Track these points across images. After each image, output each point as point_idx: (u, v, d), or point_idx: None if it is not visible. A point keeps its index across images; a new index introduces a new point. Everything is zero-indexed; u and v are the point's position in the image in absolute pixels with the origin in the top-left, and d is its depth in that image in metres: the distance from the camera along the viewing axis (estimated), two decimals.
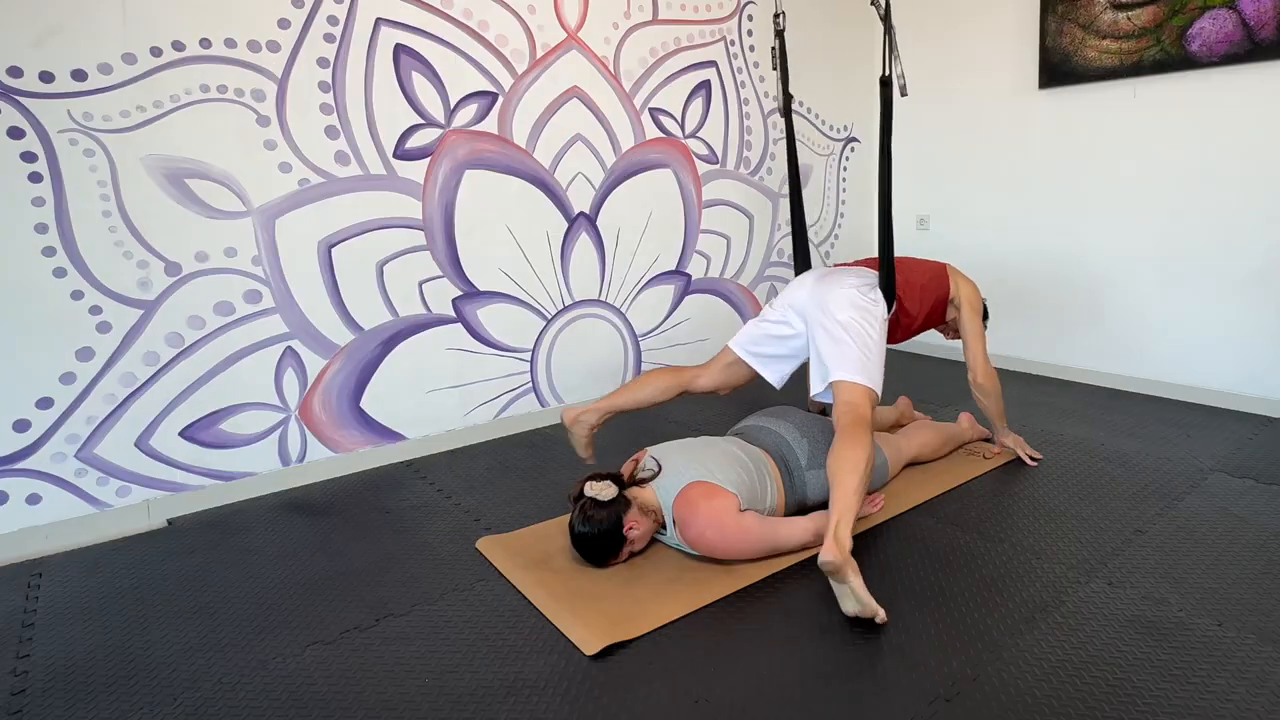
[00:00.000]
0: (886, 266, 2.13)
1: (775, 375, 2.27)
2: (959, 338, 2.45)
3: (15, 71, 1.93)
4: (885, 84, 2.03)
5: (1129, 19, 2.96)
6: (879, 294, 2.12)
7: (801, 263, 2.41)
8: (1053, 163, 3.31)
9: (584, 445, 2.22)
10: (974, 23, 3.51)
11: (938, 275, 2.35)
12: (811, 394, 2.07)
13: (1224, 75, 2.77)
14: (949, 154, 3.71)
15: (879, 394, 1.95)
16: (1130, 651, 1.43)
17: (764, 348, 2.25)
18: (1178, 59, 2.85)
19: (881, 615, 1.52)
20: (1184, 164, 2.91)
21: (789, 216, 2.48)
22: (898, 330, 2.28)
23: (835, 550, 1.52)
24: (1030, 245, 3.44)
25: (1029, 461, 2.37)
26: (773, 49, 2.39)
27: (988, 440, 2.57)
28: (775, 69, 2.39)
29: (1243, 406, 2.84)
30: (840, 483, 1.69)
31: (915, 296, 2.25)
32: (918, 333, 2.38)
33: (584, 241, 3.02)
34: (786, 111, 2.37)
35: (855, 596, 1.53)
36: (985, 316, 2.44)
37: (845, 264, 2.35)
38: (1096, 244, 3.21)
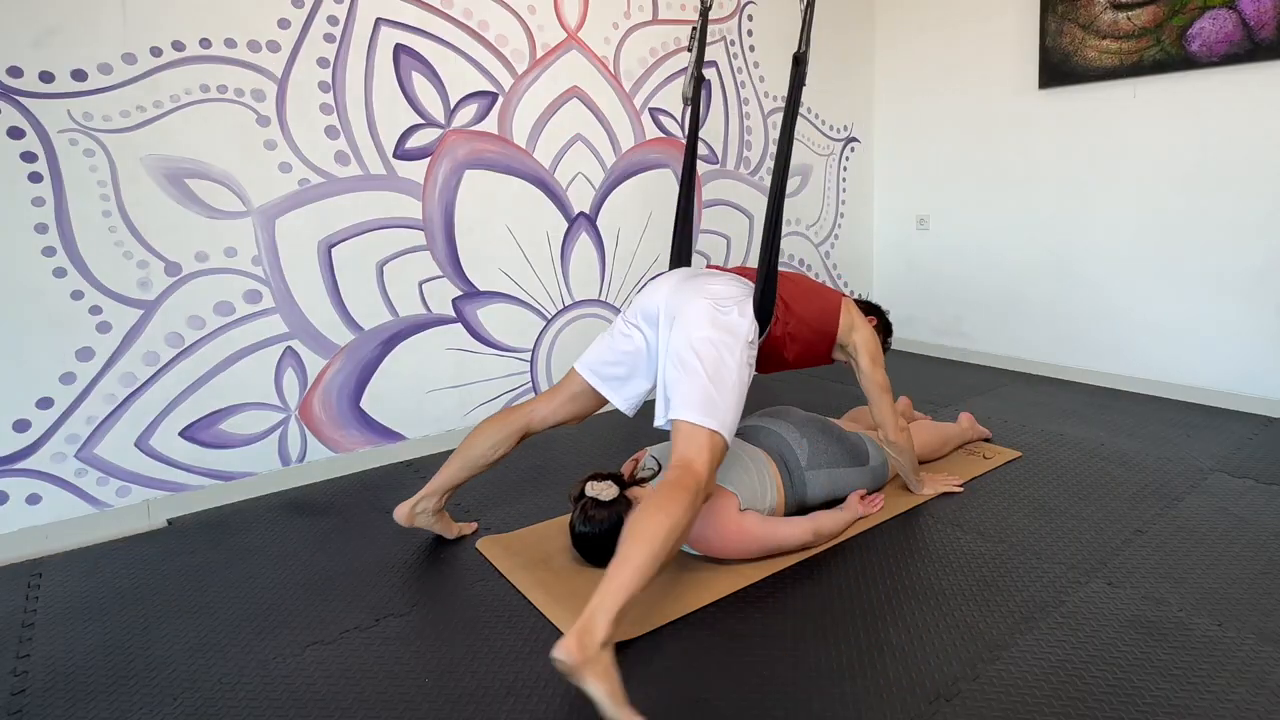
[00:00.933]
0: (767, 279, 1.73)
1: (625, 401, 1.88)
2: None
3: (15, 71, 1.93)
4: (799, 61, 1.77)
5: (1129, 19, 2.96)
6: (749, 312, 1.72)
7: (675, 259, 2.07)
8: (1053, 163, 3.31)
9: (445, 530, 1.98)
10: (974, 23, 3.51)
11: (828, 309, 1.93)
12: (655, 423, 1.69)
13: (1224, 75, 2.77)
14: (949, 154, 3.71)
15: (728, 439, 1.57)
16: (1130, 651, 1.43)
17: (615, 368, 1.86)
18: (1178, 59, 2.85)
19: None
20: (1184, 164, 2.91)
21: (678, 206, 2.12)
22: (768, 362, 1.89)
23: (575, 645, 1.19)
24: (1030, 245, 3.44)
25: (955, 489, 2.16)
26: (693, 29, 2.10)
27: (988, 440, 2.57)
28: (690, 50, 2.12)
29: (1243, 406, 2.84)
30: (622, 555, 1.32)
31: (795, 325, 1.85)
32: (793, 368, 2.00)
33: (584, 241, 3.02)
34: (695, 97, 2.09)
35: (602, 709, 1.19)
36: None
37: (720, 268, 1.96)
38: (1096, 244, 3.21)
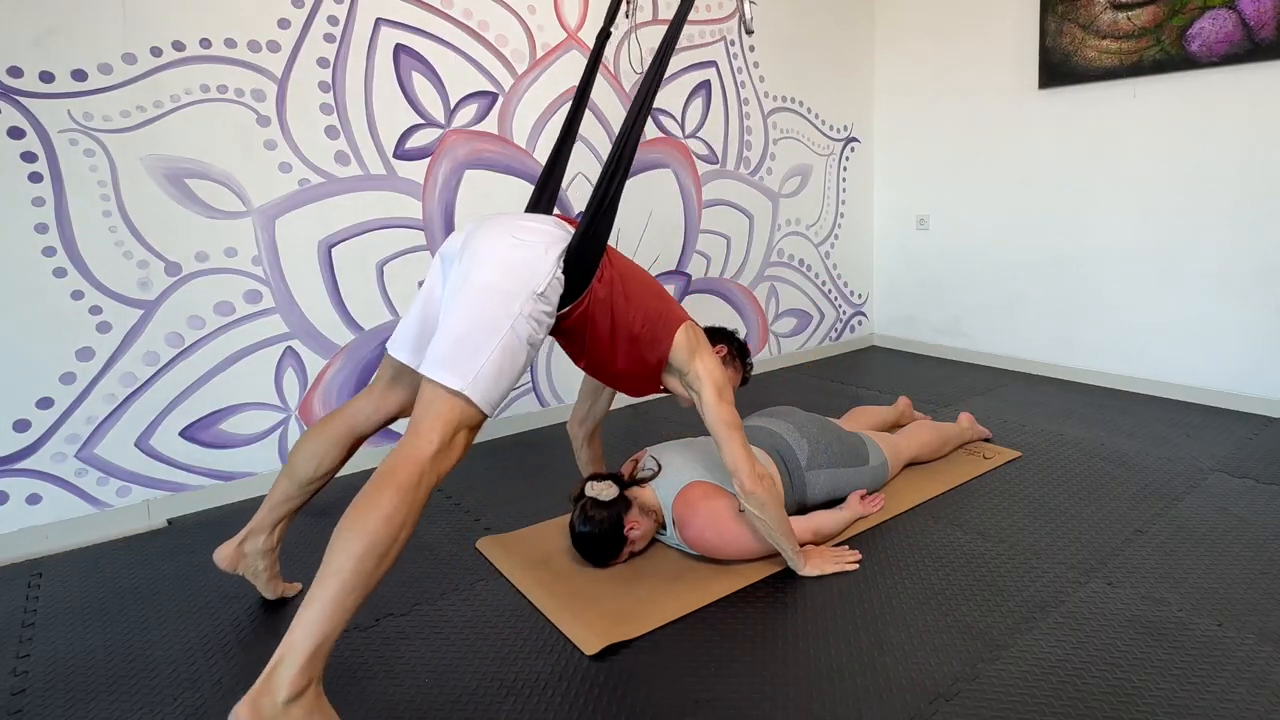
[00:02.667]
0: (594, 219, 1.43)
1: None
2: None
3: (15, 71, 1.93)
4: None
5: (1129, 19, 2.96)
6: (555, 256, 1.38)
7: (530, 208, 1.77)
8: (1053, 163, 3.31)
9: (269, 584, 1.66)
10: (974, 23, 3.51)
11: (668, 314, 1.59)
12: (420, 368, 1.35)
13: (1224, 75, 2.77)
14: (949, 154, 3.71)
15: (482, 409, 1.27)
16: (1130, 651, 1.43)
17: (415, 330, 1.53)
18: (1178, 59, 2.85)
19: None
20: (1184, 164, 2.91)
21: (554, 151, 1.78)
22: (579, 349, 1.56)
23: (248, 712, 1.04)
24: (1030, 245, 3.44)
25: (849, 567, 1.77)
26: None
27: (988, 440, 2.57)
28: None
29: (1243, 406, 2.84)
30: (312, 592, 1.11)
31: (625, 306, 1.52)
32: (617, 381, 1.67)
33: None
34: (598, 47, 1.85)
35: None
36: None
37: (565, 218, 1.59)
38: (1096, 243, 3.21)
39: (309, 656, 1.09)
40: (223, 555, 1.63)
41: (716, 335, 2.05)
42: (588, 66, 1.85)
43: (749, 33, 1.99)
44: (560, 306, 1.43)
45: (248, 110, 2.26)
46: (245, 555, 1.63)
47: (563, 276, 1.40)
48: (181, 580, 1.86)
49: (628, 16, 2.23)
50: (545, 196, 1.75)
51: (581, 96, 1.80)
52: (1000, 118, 3.47)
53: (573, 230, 1.47)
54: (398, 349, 1.54)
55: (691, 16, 3.21)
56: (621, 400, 3.09)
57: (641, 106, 1.50)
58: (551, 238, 1.41)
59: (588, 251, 1.44)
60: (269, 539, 1.63)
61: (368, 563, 1.13)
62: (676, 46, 2.02)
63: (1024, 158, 3.41)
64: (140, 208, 2.12)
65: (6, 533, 2.01)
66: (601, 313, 1.49)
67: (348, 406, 1.62)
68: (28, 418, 2.02)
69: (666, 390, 1.70)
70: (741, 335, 2.22)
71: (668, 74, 3.16)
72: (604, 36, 1.88)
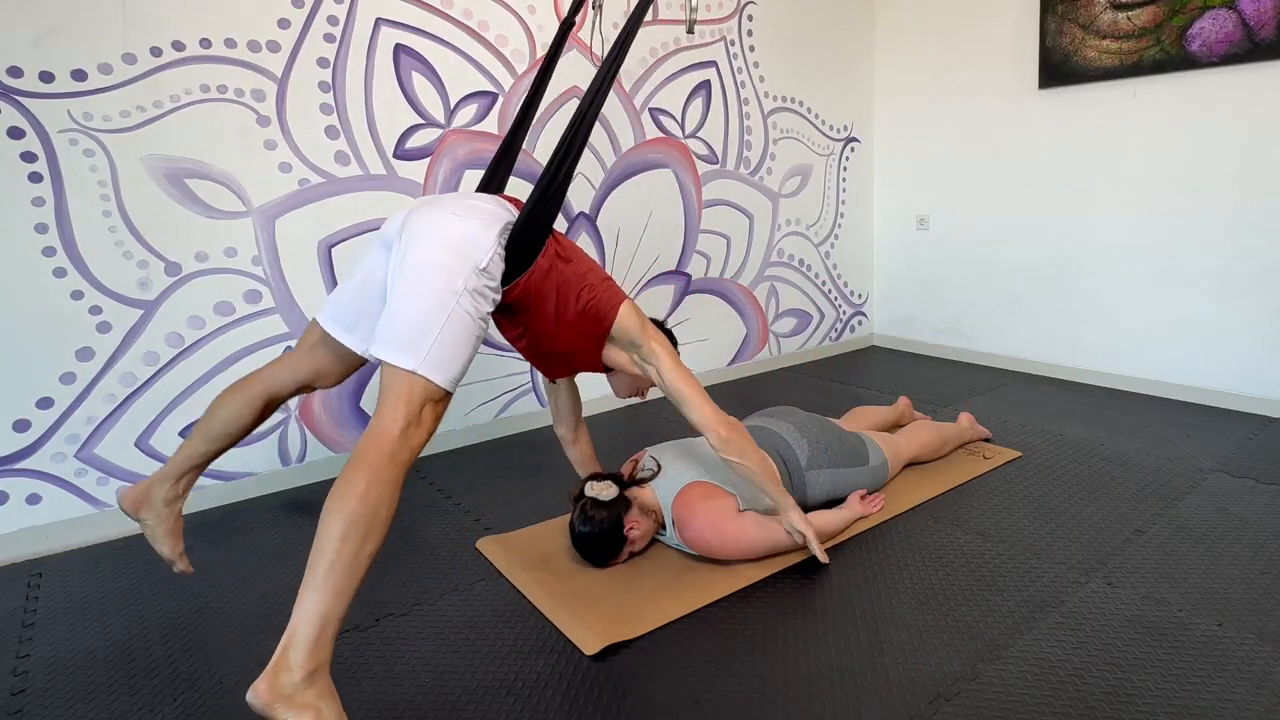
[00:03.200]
0: (538, 208, 1.44)
1: (361, 344, 1.54)
2: (642, 394, 1.89)
3: (15, 71, 1.93)
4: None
5: (1129, 19, 2.96)
6: (496, 233, 1.40)
7: (485, 181, 1.76)
8: (1052, 163, 3.31)
9: (167, 537, 1.58)
10: (974, 23, 3.51)
11: (606, 293, 1.59)
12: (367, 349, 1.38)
13: (1224, 75, 2.77)
14: (949, 154, 3.71)
15: (442, 384, 1.29)
16: (1130, 651, 1.43)
17: (347, 307, 1.54)
18: (1178, 59, 2.85)
19: None
20: (1184, 164, 2.91)
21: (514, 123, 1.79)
22: (521, 329, 1.58)
23: (265, 688, 1.07)
24: (1030, 245, 3.44)
25: (821, 557, 1.76)
26: None
27: (988, 440, 2.57)
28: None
29: (1243, 406, 2.84)
30: (306, 576, 1.14)
31: (571, 280, 1.53)
32: (555, 362, 1.68)
33: (584, 241, 3.01)
34: (559, 37, 1.85)
35: None
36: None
37: (509, 198, 1.61)
38: (1096, 244, 3.21)
39: (314, 639, 1.12)
40: (128, 496, 1.61)
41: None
42: (548, 54, 1.83)
43: (689, 32, 1.99)
44: (504, 283, 1.45)
45: (248, 110, 2.26)
46: (150, 501, 1.59)
47: (503, 253, 1.41)
48: (182, 580, 1.86)
49: (595, 9, 2.25)
50: (497, 177, 1.75)
51: (539, 85, 1.80)
52: (1000, 118, 3.47)
53: (515, 210, 1.48)
54: (333, 325, 1.56)
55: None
56: (622, 400, 3.10)
57: (595, 95, 1.50)
58: (492, 215, 1.42)
59: (533, 231, 1.44)
60: (174, 488, 1.60)
61: (351, 542, 1.15)
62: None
63: (1024, 158, 3.41)
64: (140, 208, 2.12)
65: (6, 533, 2.01)
66: (546, 288, 1.50)
67: (264, 369, 1.64)
68: (28, 418, 2.02)
69: (609, 368, 1.70)
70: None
71: (667, 76, 3.17)
72: (567, 26, 1.87)
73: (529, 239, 1.45)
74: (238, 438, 1.63)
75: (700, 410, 1.62)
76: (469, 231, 1.37)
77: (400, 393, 1.26)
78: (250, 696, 1.08)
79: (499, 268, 1.41)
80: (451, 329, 1.30)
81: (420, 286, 1.30)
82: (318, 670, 1.12)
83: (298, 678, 1.10)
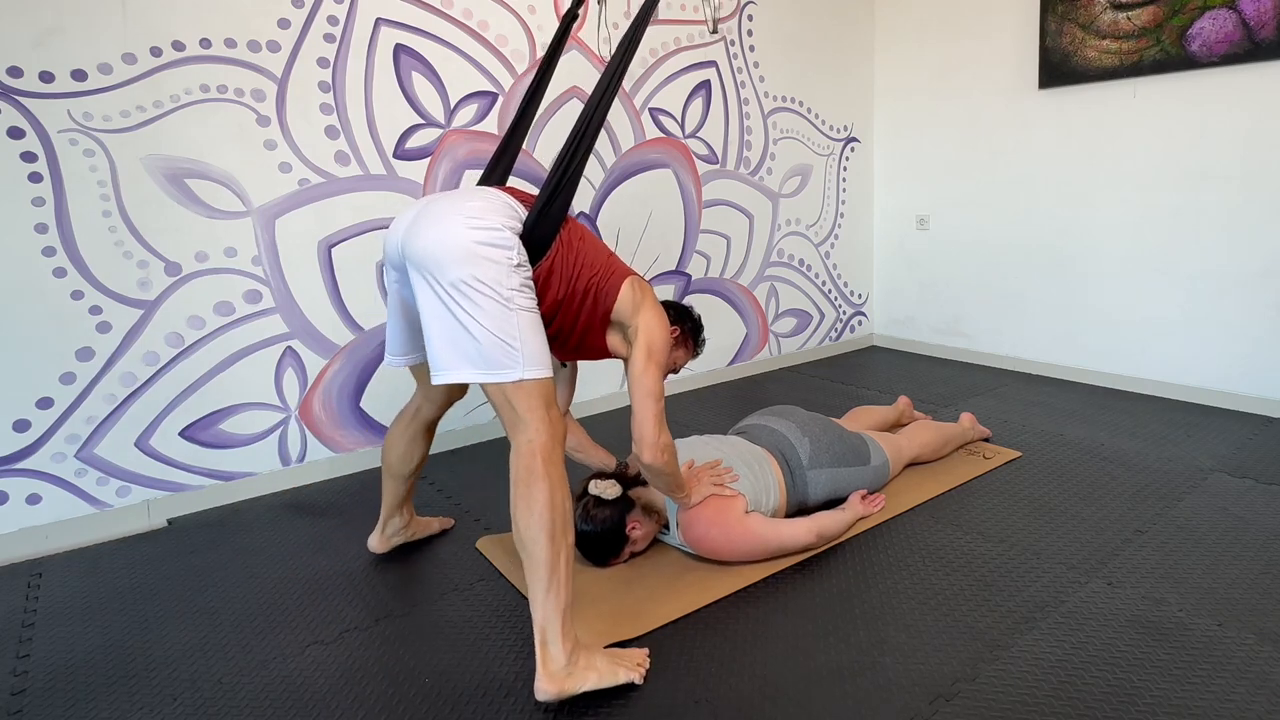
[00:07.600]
0: (550, 204, 1.44)
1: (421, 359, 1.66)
2: (675, 369, 1.87)
3: (15, 71, 1.93)
4: None
5: (1129, 19, 2.96)
6: (514, 233, 1.40)
7: (486, 176, 1.75)
8: (1052, 162, 3.31)
9: (423, 529, 2.00)
10: (974, 22, 3.51)
11: (614, 267, 1.58)
12: (433, 382, 1.40)
13: (1224, 75, 2.77)
14: (949, 154, 3.71)
15: (541, 374, 1.35)
16: (1130, 651, 1.43)
17: (402, 336, 1.68)
18: (1178, 59, 2.85)
19: None
20: (1184, 164, 2.91)
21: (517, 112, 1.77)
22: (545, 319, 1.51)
23: (547, 683, 1.30)
24: (1030, 245, 3.43)
25: (725, 492, 1.80)
26: None
27: (988, 440, 2.57)
28: None
29: (1243, 406, 2.84)
30: (528, 566, 1.31)
31: (574, 262, 1.51)
32: (572, 349, 1.65)
33: None
34: (563, 28, 1.84)
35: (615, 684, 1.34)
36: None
37: (491, 189, 1.54)
38: (1096, 244, 3.21)
39: (561, 628, 1.30)
40: (374, 543, 1.93)
41: (673, 314, 1.84)
42: (551, 47, 1.82)
43: (713, 32, 1.97)
44: None
45: (248, 110, 2.26)
46: (391, 539, 1.93)
47: (519, 244, 1.42)
48: (181, 580, 1.86)
49: (598, 2, 2.21)
50: (500, 169, 1.75)
51: (542, 78, 1.78)
52: (1000, 118, 3.47)
53: (516, 200, 1.47)
54: (402, 360, 1.71)
55: (691, 16, 3.21)
56: (622, 400, 3.09)
57: (605, 91, 1.50)
58: (503, 215, 1.41)
59: (545, 225, 1.45)
60: (402, 518, 1.94)
61: (559, 543, 1.31)
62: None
63: (1024, 158, 3.41)
64: (140, 208, 2.12)
65: (6, 533, 2.01)
66: (559, 272, 1.49)
67: (409, 407, 1.83)
68: (28, 418, 2.02)
69: (612, 355, 1.65)
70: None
71: (667, 76, 3.16)
72: (570, 18, 1.86)
73: (542, 233, 1.45)
74: (421, 465, 1.88)
75: (642, 422, 1.53)
76: (491, 237, 1.36)
77: (524, 403, 1.34)
78: (540, 696, 1.29)
79: (524, 257, 1.42)
80: (523, 327, 1.35)
81: (478, 302, 1.33)
82: (575, 647, 1.32)
83: (564, 661, 1.30)
